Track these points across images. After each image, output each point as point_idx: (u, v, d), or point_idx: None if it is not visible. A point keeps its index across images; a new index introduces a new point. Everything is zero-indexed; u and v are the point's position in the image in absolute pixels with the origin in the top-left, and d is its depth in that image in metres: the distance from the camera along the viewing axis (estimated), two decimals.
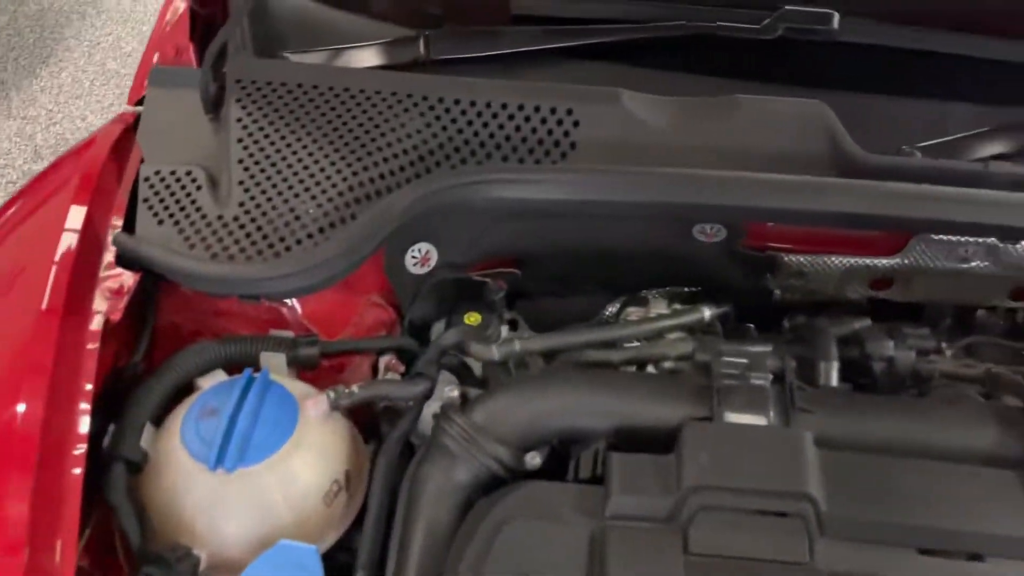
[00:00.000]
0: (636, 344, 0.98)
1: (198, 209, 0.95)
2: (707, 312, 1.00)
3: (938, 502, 0.77)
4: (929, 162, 0.99)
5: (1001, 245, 0.97)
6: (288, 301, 0.98)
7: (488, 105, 1.02)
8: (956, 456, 0.81)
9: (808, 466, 0.77)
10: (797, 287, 1.09)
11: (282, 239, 0.93)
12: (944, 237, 0.98)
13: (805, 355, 0.94)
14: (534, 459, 0.86)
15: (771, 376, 0.87)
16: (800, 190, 0.92)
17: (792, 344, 0.96)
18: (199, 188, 0.97)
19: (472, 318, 1.04)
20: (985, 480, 0.78)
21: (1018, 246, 0.98)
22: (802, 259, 1.05)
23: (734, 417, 0.82)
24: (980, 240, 0.97)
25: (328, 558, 0.82)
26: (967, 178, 0.95)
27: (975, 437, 0.82)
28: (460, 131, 1.01)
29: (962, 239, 0.98)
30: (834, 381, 0.93)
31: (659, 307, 1.06)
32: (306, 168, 0.98)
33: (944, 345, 1.03)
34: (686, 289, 1.11)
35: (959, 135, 1.07)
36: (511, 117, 1.02)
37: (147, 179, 0.98)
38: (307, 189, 0.96)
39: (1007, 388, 0.88)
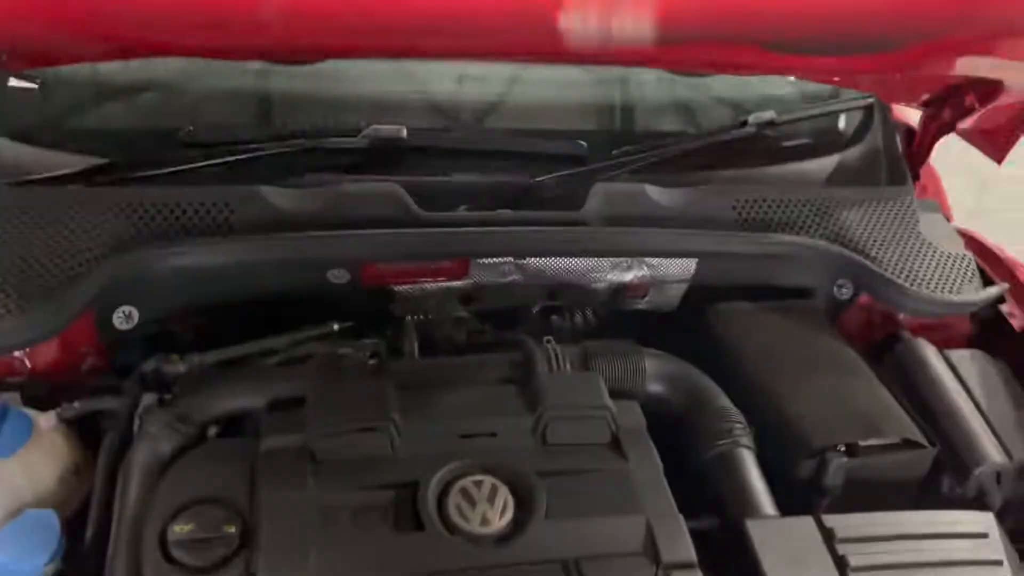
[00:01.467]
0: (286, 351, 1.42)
1: None
2: (335, 326, 1.46)
3: (463, 405, 1.27)
4: (465, 214, 1.54)
5: (519, 262, 1.53)
6: (18, 355, 1.32)
7: (165, 204, 1.44)
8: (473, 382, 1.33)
9: (389, 401, 1.24)
10: (415, 310, 1.58)
11: (9, 311, 1.28)
12: (485, 260, 1.52)
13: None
14: (212, 430, 1.26)
15: (370, 353, 1.34)
16: (376, 240, 1.43)
17: (395, 337, 1.44)
18: None
19: (174, 358, 1.43)
20: (487, 388, 1.31)
21: (532, 262, 1.54)
22: (407, 288, 1.55)
23: (345, 383, 1.28)
24: (506, 260, 1.52)
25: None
26: (489, 222, 1.51)
27: (483, 368, 1.35)
28: (147, 224, 1.42)
29: (496, 260, 1.52)
30: (416, 353, 1.41)
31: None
32: (24, 261, 1.34)
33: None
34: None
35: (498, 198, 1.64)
36: (184, 211, 1.44)
37: None
38: (29, 278, 1.32)
39: (506, 346, 1.42)
